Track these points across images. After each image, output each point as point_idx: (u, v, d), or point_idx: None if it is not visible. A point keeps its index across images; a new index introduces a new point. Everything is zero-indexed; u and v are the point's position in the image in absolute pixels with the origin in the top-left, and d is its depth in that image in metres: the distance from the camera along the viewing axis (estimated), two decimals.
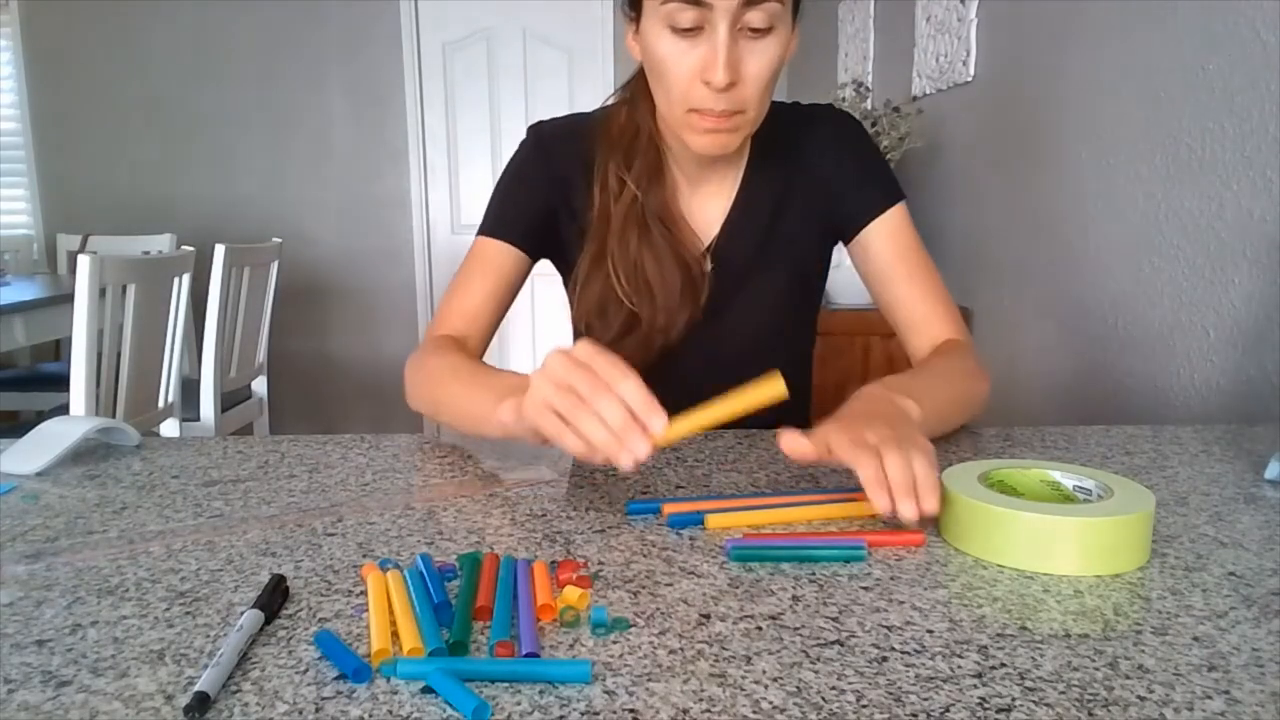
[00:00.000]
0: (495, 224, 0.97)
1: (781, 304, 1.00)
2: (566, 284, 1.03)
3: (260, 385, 2.81)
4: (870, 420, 0.64)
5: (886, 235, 0.95)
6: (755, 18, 0.78)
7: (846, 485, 0.69)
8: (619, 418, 0.58)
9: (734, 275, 0.96)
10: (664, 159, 0.94)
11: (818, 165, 0.97)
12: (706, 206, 0.97)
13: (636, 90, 0.94)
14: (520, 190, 0.98)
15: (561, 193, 0.97)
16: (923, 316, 0.93)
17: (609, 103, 0.98)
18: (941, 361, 0.88)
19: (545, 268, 1.04)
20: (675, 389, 0.98)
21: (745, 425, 0.88)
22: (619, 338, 0.93)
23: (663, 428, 0.58)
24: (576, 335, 1.01)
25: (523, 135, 1.00)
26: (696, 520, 0.61)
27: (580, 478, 0.72)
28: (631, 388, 0.58)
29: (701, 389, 0.98)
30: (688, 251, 0.93)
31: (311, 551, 0.57)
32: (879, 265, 0.95)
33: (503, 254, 0.96)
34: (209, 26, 3.66)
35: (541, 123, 1.00)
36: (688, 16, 0.78)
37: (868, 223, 0.95)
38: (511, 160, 1.00)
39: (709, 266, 0.95)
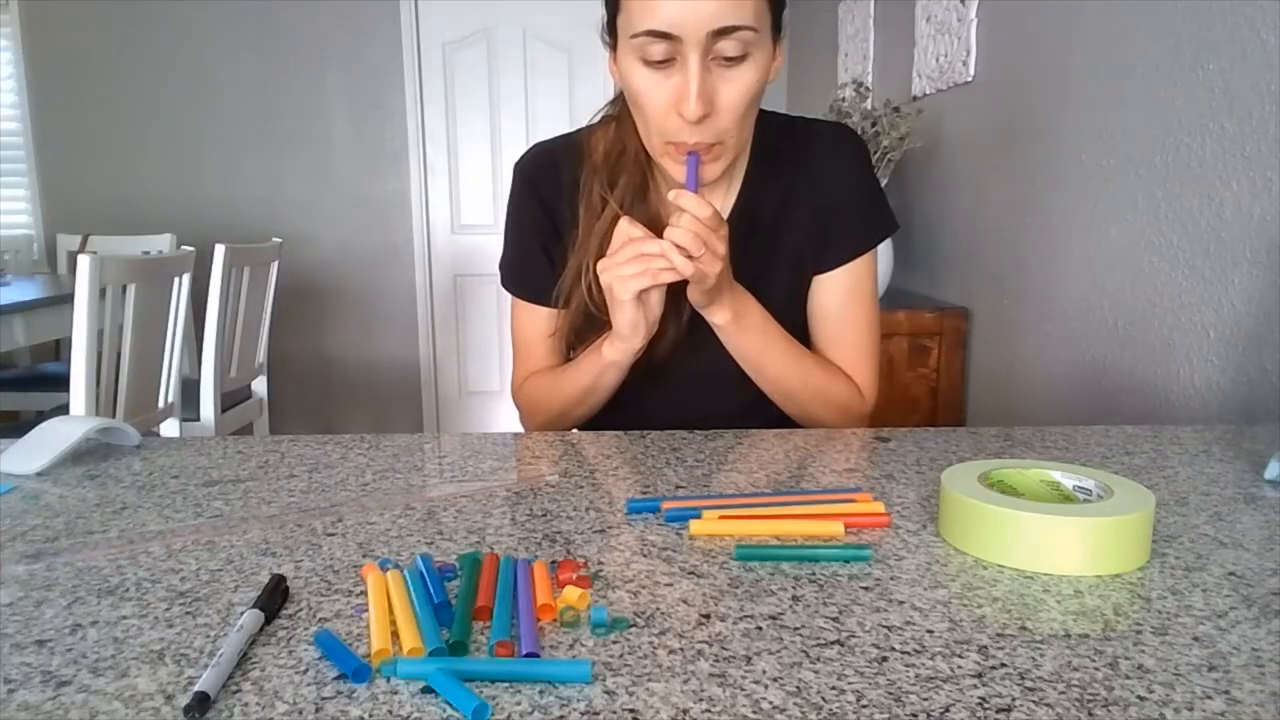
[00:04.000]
0: (515, 286, 1.02)
1: (778, 318, 1.00)
2: None
3: (260, 385, 2.81)
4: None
5: (846, 284, 0.98)
6: (728, 46, 0.77)
7: (845, 485, 0.70)
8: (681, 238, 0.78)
9: None
10: (649, 175, 0.93)
11: (821, 185, 0.96)
12: None
13: (624, 107, 0.92)
14: (522, 246, 1.01)
15: (552, 226, 0.98)
16: (840, 358, 0.99)
17: (598, 117, 0.98)
18: (822, 363, 0.98)
19: None
20: (669, 403, 0.99)
21: (745, 425, 0.89)
22: None
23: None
24: (567, 347, 1.01)
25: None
26: (695, 515, 0.61)
27: (580, 477, 0.72)
28: (675, 231, 0.78)
29: (695, 403, 0.99)
30: None
31: (311, 551, 0.57)
32: (829, 307, 0.99)
33: (534, 312, 1.01)
34: (209, 26, 3.66)
35: (522, 158, 1.01)
36: (658, 49, 0.77)
37: (838, 265, 0.97)
38: (508, 206, 1.02)
39: None
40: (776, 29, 0.83)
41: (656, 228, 0.89)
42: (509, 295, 1.04)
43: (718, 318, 0.88)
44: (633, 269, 0.80)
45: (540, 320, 1.01)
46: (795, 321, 0.99)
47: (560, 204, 0.97)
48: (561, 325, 0.98)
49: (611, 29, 0.84)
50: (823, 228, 0.96)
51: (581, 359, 0.94)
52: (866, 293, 0.99)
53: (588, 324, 0.94)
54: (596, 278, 0.87)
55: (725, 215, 0.96)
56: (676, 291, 0.87)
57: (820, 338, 1.00)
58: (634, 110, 0.85)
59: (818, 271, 0.98)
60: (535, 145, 1.02)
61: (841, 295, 0.98)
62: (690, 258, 0.79)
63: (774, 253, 0.96)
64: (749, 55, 0.79)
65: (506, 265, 1.03)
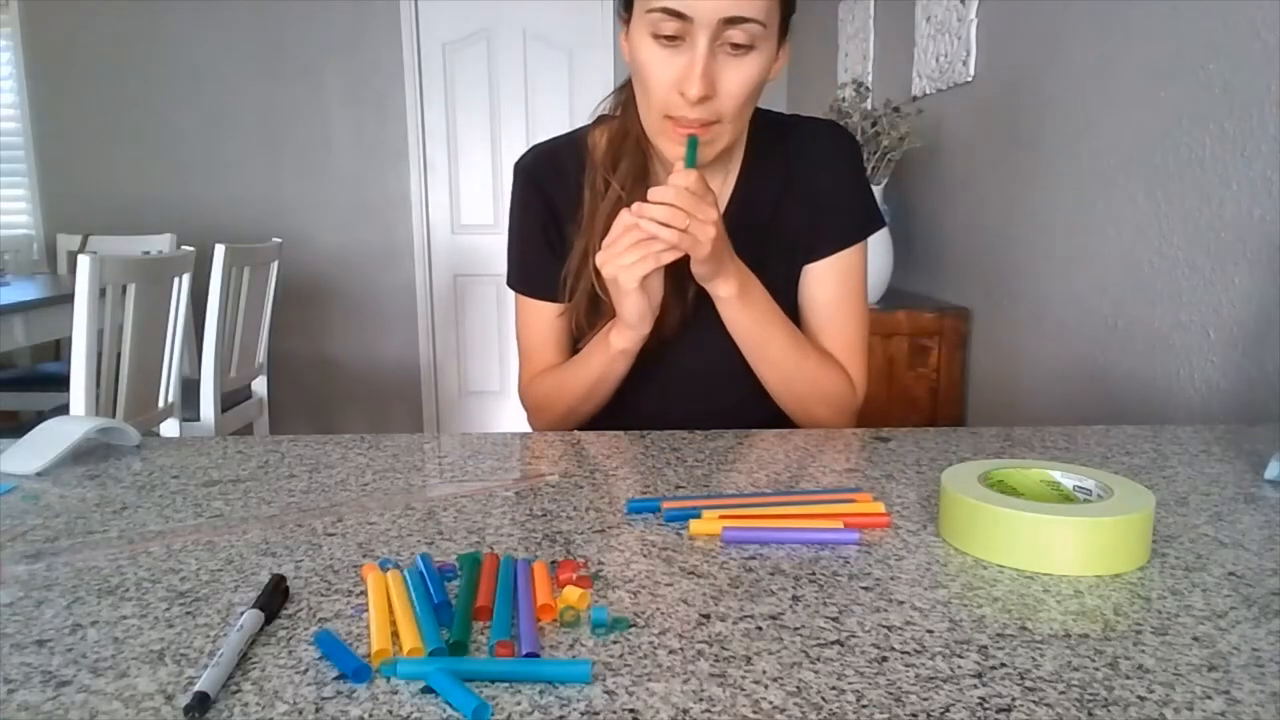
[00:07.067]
0: (522, 284, 1.02)
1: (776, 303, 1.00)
2: None
3: (260, 385, 2.81)
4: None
5: (836, 275, 0.99)
6: (736, 35, 0.80)
7: (845, 485, 0.70)
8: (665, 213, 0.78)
9: None
10: (650, 160, 0.95)
11: (815, 178, 0.98)
12: None
13: (629, 94, 0.94)
14: (527, 244, 1.01)
15: (556, 222, 0.99)
16: (829, 349, 0.99)
17: (601, 111, 1.00)
18: (818, 350, 0.98)
19: None
20: (670, 385, 1.00)
21: (744, 425, 0.89)
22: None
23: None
24: (574, 336, 1.01)
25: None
26: (694, 515, 0.61)
27: (580, 477, 0.72)
28: (653, 205, 0.78)
29: (695, 385, 1.00)
30: None
31: (311, 551, 0.57)
32: (819, 299, 1.00)
33: (540, 310, 1.01)
34: (209, 26, 3.66)
35: (524, 158, 1.02)
36: (670, 26, 0.80)
37: (827, 255, 0.98)
38: (511, 205, 1.03)
39: None
40: (784, 30, 0.86)
41: None
42: (513, 295, 1.04)
43: (723, 290, 0.89)
44: (632, 256, 0.81)
45: (546, 319, 1.01)
46: (790, 315, 1.00)
47: (564, 201, 0.98)
48: (567, 315, 0.98)
49: (628, 2, 0.86)
50: (813, 219, 0.98)
51: (587, 352, 0.95)
52: (855, 286, 1.00)
53: (593, 310, 0.95)
54: (599, 259, 0.89)
55: (721, 210, 0.96)
56: (680, 272, 0.88)
57: (810, 329, 1.01)
58: (638, 84, 0.87)
59: (806, 261, 0.99)
60: (535, 145, 1.03)
61: (831, 287, 0.99)
62: (682, 229, 0.80)
63: (769, 245, 0.97)
64: (755, 47, 0.81)
65: (512, 264, 1.03)
